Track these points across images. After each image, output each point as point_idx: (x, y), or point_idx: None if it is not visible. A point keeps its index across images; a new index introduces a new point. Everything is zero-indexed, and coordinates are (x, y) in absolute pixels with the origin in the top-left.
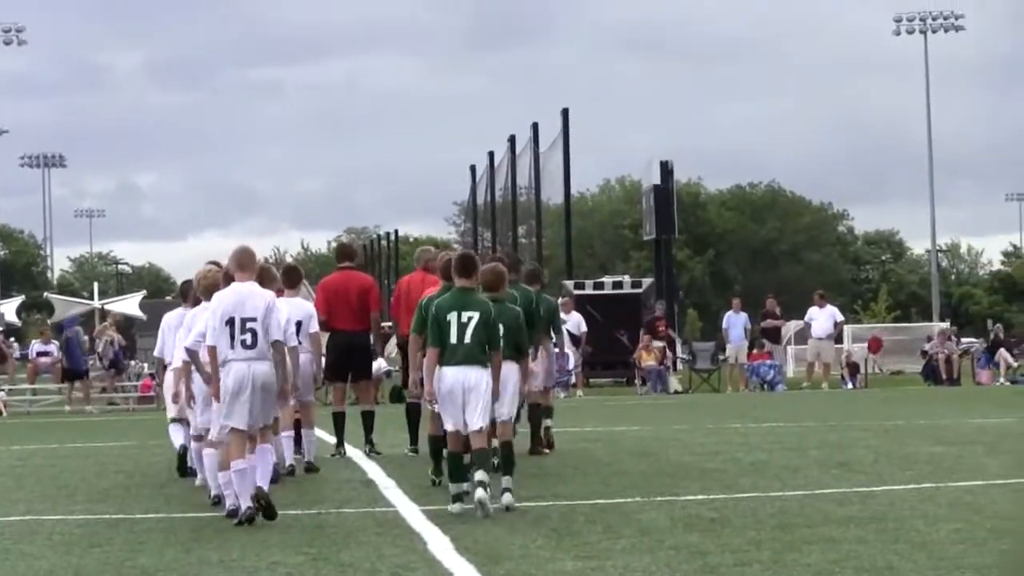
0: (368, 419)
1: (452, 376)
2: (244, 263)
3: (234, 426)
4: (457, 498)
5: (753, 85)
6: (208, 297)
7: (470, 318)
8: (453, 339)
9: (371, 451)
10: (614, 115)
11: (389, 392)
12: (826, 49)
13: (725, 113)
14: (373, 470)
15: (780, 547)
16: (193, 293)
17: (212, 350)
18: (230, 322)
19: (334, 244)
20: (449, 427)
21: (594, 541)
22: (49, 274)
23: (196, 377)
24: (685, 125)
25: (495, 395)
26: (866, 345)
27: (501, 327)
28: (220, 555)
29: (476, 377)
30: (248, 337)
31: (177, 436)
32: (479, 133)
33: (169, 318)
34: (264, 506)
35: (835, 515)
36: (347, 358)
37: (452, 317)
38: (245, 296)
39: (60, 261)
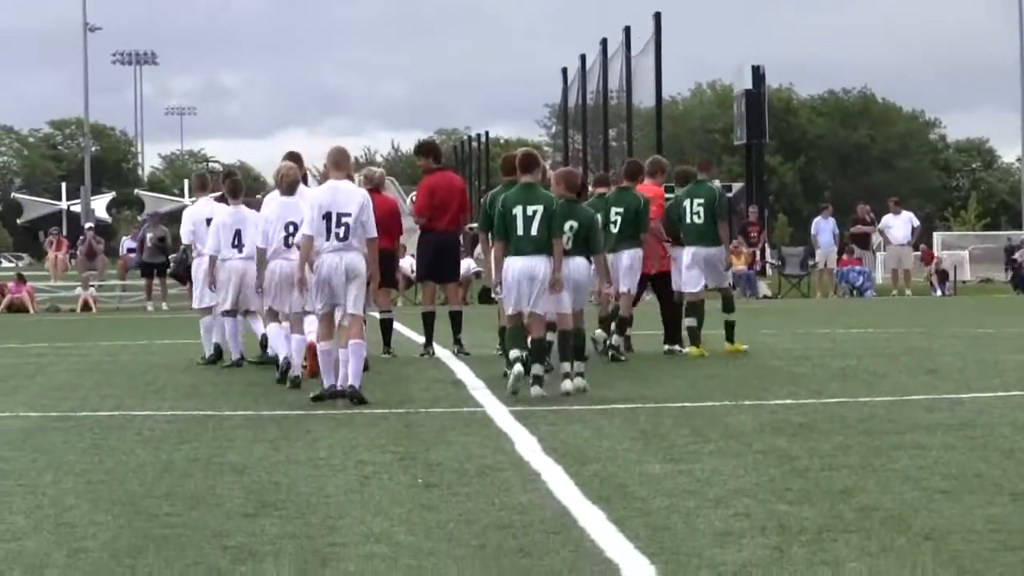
0: (456, 319)
1: (520, 266)
2: (340, 161)
3: (323, 310)
4: (515, 362)
5: None
6: (290, 192)
7: (535, 211)
8: (520, 231)
9: (459, 351)
10: (706, 20)
11: (478, 292)
12: None
13: (816, 20)
14: (461, 370)
15: (868, 452)
16: (230, 186)
17: (308, 240)
18: (327, 216)
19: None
20: (510, 310)
21: (681, 444)
22: (140, 171)
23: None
24: (777, 31)
25: (558, 285)
26: (963, 253)
27: (575, 224)
28: (308, 453)
29: (542, 266)
30: (342, 231)
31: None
32: (570, 36)
33: (200, 209)
34: (357, 402)
35: (923, 421)
36: (440, 258)
37: (518, 211)
38: (341, 192)
39: (151, 158)
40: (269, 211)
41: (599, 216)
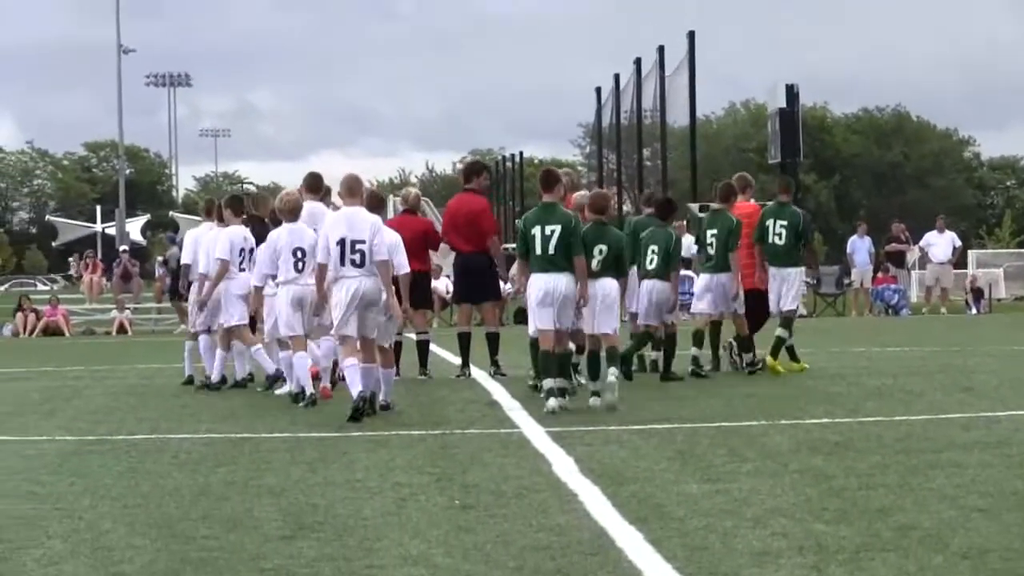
0: (493, 340)
1: (540, 282)
2: (353, 189)
3: (345, 334)
4: (550, 393)
5: (879, 10)
6: (291, 218)
7: (552, 231)
8: (538, 250)
9: (496, 372)
10: (739, 39)
11: (514, 313)
12: None
13: (850, 38)
14: (497, 391)
15: (905, 471)
16: (217, 211)
17: (323, 268)
18: (341, 242)
19: (459, 166)
20: (541, 326)
21: (718, 464)
22: (174, 193)
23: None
24: (811, 50)
25: (584, 300)
26: (998, 271)
27: (604, 247)
28: (345, 475)
29: (561, 283)
30: (358, 257)
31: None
32: (603, 56)
33: (197, 234)
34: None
35: (960, 440)
36: (471, 279)
37: (536, 231)
38: (354, 219)
39: (185, 180)
40: (277, 238)
41: (673, 239)
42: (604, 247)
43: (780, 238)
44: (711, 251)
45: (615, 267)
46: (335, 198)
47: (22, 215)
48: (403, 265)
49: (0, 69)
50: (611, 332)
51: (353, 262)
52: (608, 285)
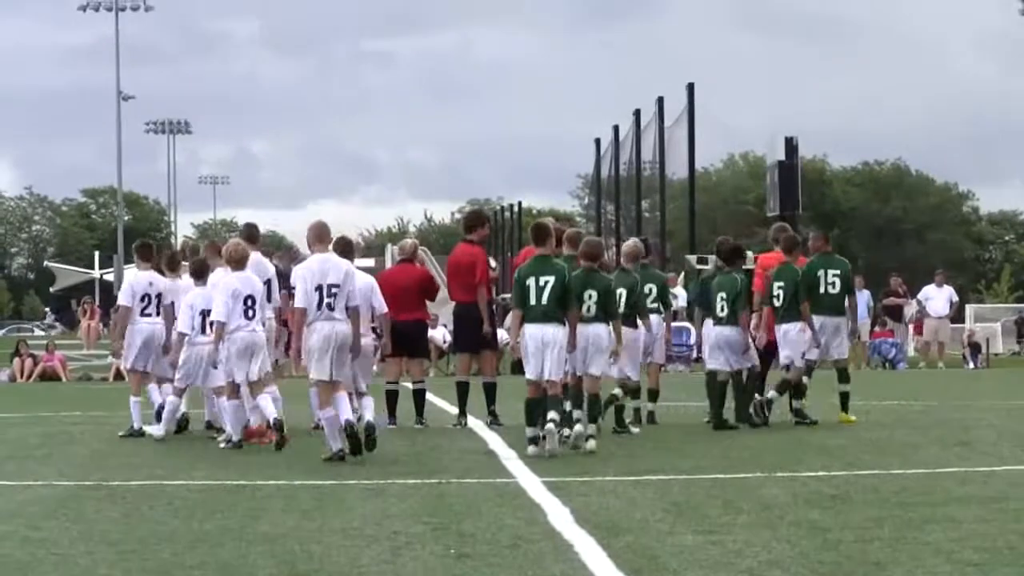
0: (490, 390)
1: (532, 332)
2: (322, 235)
3: (322, 379)
4: (532, 440)
5: (879, 62)
6: (237, 266)
7: (546, 282)
8: (532, 300)
9: (493, 422)
10: (737, 91)
11: (511, 363)
12: (950, 27)
13: (849, 90)
14: (494, 440)
15: (901, 525)
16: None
17: (302, 312)
18: (318, 288)
19: (458, 215)
20: (530, 376)
21: (714, 515)
22: (173, 240)
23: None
24: (809, 103)
25: (571, 347)
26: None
27: (594, 292)
28: (341, 523)
29: (553, 333)
30: (332, 300)
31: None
32: (602, 106)
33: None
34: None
35: (956, 494)
36: (469, 328)
37: (531, 282)
38: (329, 265)
39: (183, 227)
40: (225, 285)
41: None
42: (594, 292)
43: (834, 287)
44: (777, 303)
45: (604, 312)
46: (304, 248)
47: (20, 260)
48: (382, 306)
49: None
50: (596, 374)
51: (328, 306)
52: (599, 330)
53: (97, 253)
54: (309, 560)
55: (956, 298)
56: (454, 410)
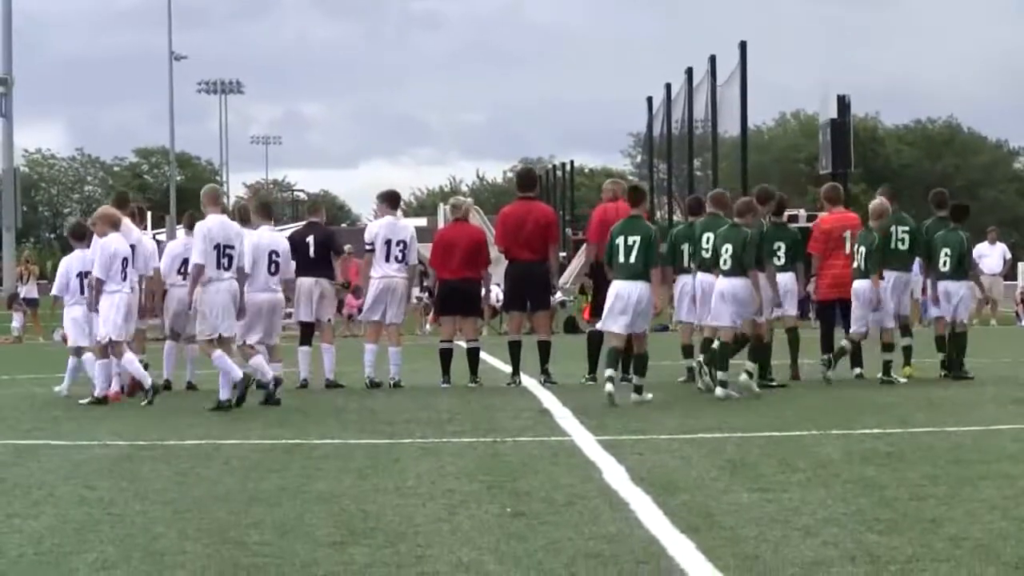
0: (544, 349)
1: (618, 288)
2: (216, 199)
3: (224, 334)
4: (607, 381)
5: (931, 20)
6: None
7: (634, 241)
8: (621, 258)
9: (546, 380)
10: (791, 49)
11: (564, 322)
12: None
13: (901, 48)
14: (548, 399)
15: (955, 482)
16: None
17: (199, 269)
18: (217, 247)
19: (510, 174)
20: (608, 328)
21: (769, 473)
22: (225, 200)
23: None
24: (860, 61)
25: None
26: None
27: (730, 247)
28: (395, 482)
29: (637, 290)
30: (226, 261)
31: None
32: (655, 65)
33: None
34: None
35: (1011, 451)
36: (525, 288)
37: (620, 241)
38: (226, 226)
39: (235, 187)
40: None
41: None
42: (730, 246)
43: (903, 243)
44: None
45: (739, 264)
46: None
47: (73, 220)
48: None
49: (51, 77)
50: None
51: (224, 266)
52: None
53: (149, 213)
54: (365, 519)
55: (1009, 255)
56: (508, 369)
